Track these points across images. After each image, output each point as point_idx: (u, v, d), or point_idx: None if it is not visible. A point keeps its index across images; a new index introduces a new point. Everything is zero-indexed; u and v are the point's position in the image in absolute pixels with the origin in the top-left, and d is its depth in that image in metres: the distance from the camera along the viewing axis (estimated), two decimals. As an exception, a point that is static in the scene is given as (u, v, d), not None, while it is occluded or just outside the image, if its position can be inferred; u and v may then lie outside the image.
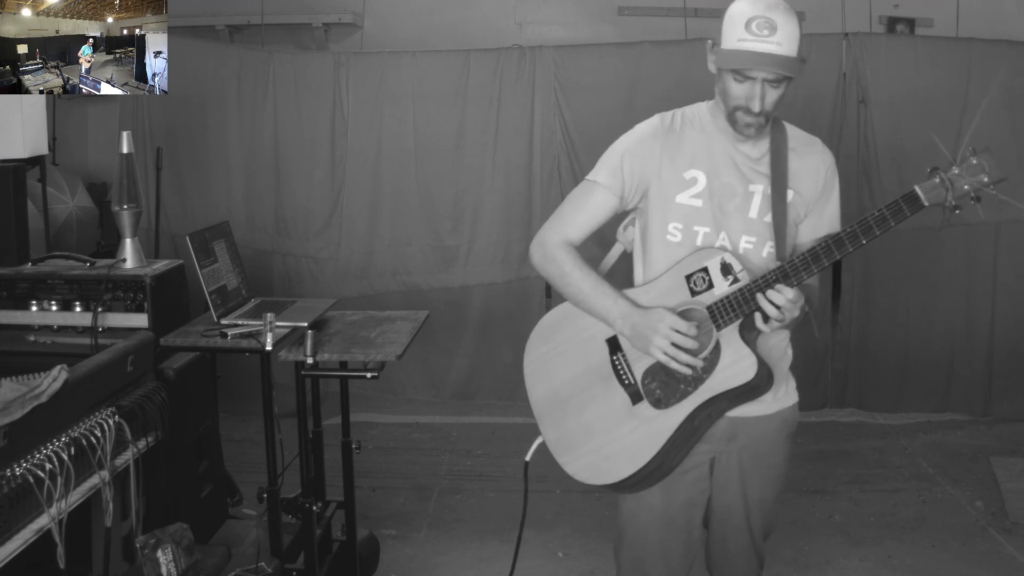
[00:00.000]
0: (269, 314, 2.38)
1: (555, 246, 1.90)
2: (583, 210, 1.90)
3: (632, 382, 1.84)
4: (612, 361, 1.86)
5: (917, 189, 1.66)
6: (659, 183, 1.84)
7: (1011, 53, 4.36)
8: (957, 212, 1.66)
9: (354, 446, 2.84)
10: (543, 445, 1.95)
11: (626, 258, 2.01)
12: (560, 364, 1.92)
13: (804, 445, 4.21)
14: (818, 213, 1.87)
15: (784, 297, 1.68)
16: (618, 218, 2.00)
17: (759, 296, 1.70)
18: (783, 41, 1.69)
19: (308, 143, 4.68)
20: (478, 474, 3.97)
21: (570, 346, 1.91)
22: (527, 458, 2.02)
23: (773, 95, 1.74)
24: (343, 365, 2.60)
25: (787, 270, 1.71)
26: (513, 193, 4.63)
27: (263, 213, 4.74)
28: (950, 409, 4.58)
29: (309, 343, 2.37)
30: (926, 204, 1.66)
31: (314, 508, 2.54)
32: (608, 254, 2.06)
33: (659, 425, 1.80)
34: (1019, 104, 4.33)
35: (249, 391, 3.62)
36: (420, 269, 4.72)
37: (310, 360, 2.38)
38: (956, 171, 1.64)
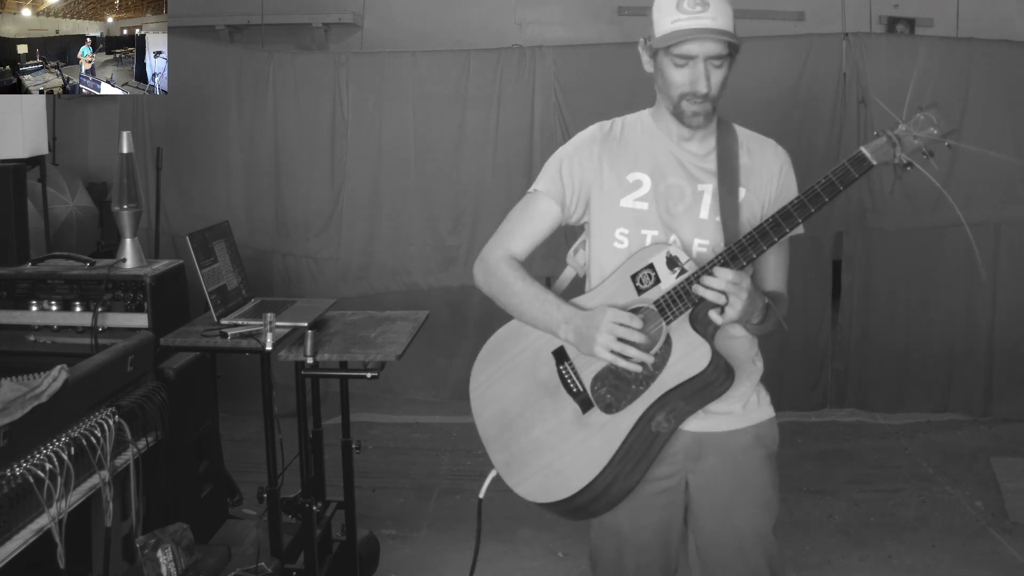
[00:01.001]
0: (269, 314, 2.38)
1: (497, 260, 1.83)
2: (525, 221, 1.84)
3: (580, 390, 1.73)
4: (559, 371, 1.76)
5: (863, 149, 1.60)
6: (601, 189, 1.78)
7: (1011, 53, 4.35)
8: (909, 169, 1.60)
9: (354, 446, 2.84)
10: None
11: (578, 283, 1.93)
12: (506, 384, 1.83)
13: (804, 445, 4.22)
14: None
15: (723, 279, 1.58)
16: (568, 242, 1.94)
17: (696, 286, 1.61)
18: (717, 16, 1.62)
19: (308, 143, 4.68)
20: (478, 474, 3.94)
21: (515, 364, 1.82)
22: (481, 495, 1.92)
23: (717, 76, 1.66)
24: (343, 365, 2.60)
25: (734, 251, 1.62)
26: (513, 193, 4.58)
27: (263, 213, 4.74)
28: (950, 409, 4.58)
29: (309, 343, 2.37)
30: (874, 163, 1.58)
31: (314, 508, 2.54)
32: (559, 279, 1.96)
33: (611, 431, 1.69)
34: (1019, 104, 4.33)
35: (249, 391, 3.62)
36: (420, 269, 4.72)
37: (310, 360, 2.38)
38: (903, 128, 1.59)
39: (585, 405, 1.73)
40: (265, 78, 4.65)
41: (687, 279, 1.65)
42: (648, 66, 1.75)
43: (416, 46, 4.93)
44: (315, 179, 4.70)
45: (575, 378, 1.74)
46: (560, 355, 1.77)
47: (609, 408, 1.70)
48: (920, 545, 3.28)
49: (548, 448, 1.75)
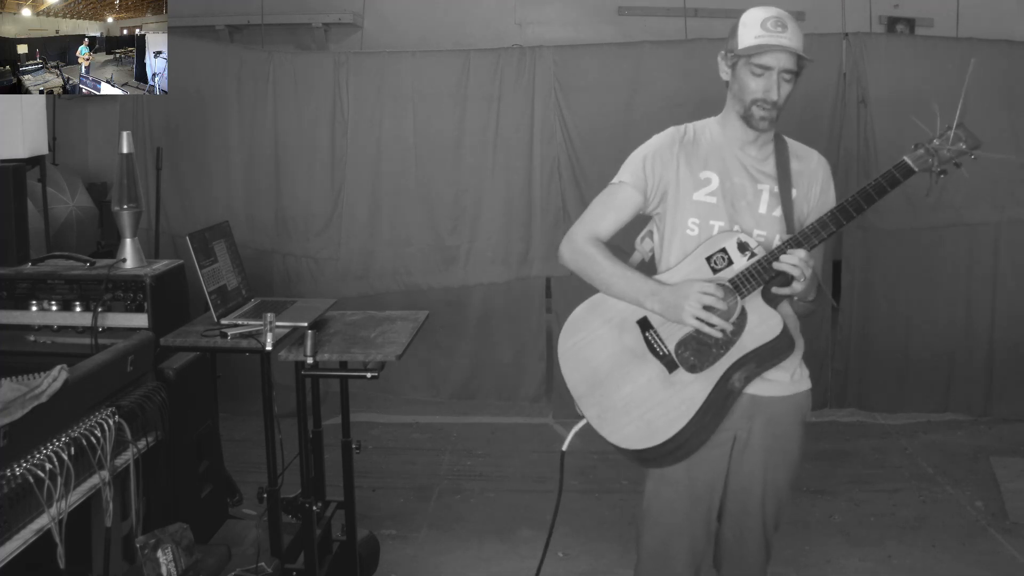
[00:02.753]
0: (269, 314, 2.38)
1: (583, 240, 2.05)
2: (609, 208, 2.06)
3: (666, 352, 1.96)
4: (645, 337, 1.98)
5: (906, 159, 1.90)
6: (677, 183, 2.01)
7: (1011, 53, 4.35)
8: (943, 176, 1.91)
9: (354, 446, 2.84)
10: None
11: (643, 268, 2.09)
12: (595, 349, 2.02)
13: (804, 445, 4.21)
14: (819, 213, 2.00)
15: (797, 256, 1.85)
16: (637, 230, 2.13)
17: (776, 263, 1.87)
18: (793, 38, 1.92)
19: (308, 143, 4.67)
20: (478, 474, 3.97)
21: (602, 332, 2.03)
22: (564, 448, 2.10)
23: (786, 88, 1.94)
24: (343, 365, 2.60)
25: (799, 238, 1.90)
26: (513, 193, 4.63)
27: (263, 213, 4.74)
28: (950, 409, 4.58)
29: (309, 343, 2.37)
30: (916, 170, 1.89)
31: (314, 508, 2.54)
32: (627, 261, 2.13)
33: (696, 388, 1.93)
34: (1019, 104, 4.33)
35: (249, 391, 3.62)
36: (420, 269, 4.71)
37: (310, 360, 2.38)
38: (937, 142, 1.90)
39: (671, 366, 1.96)
40: (265, 78, 4.65)
41: (760, 260, 1.90)
42: (725, 75, 2.01)
43: (416, 46, 4.93)
44: (315, 179, 4.70)
45: (660, 343, 1.97)
46: (644, 324, 1.99)
47: (693, 369, 1.94)
48: (920, 545, 3.28)
49: (639, 403, 1.97)
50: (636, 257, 2.16)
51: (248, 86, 4.67)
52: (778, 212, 1.99)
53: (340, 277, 4.72)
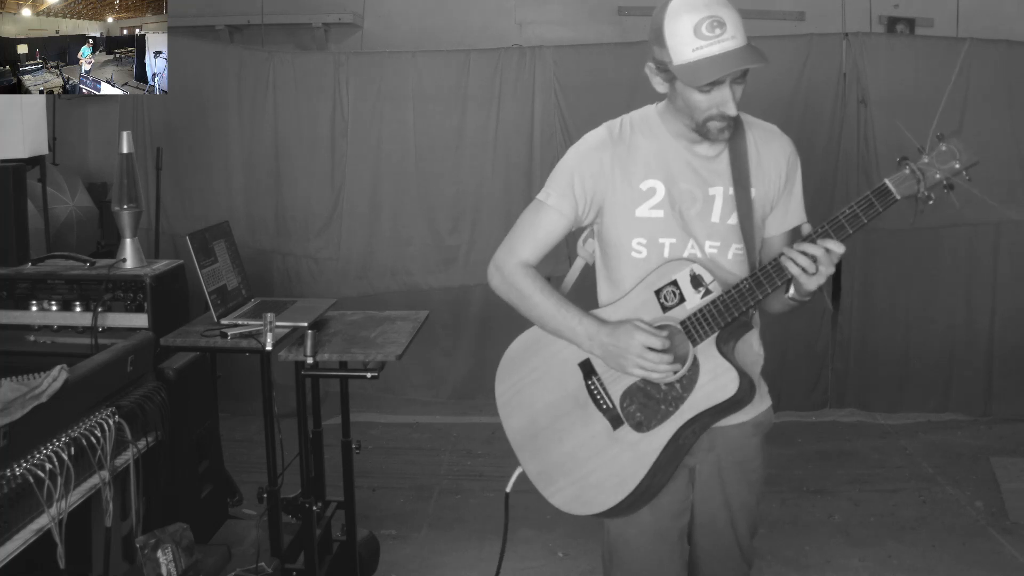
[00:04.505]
0: (269, 314, 2.38)
1: (512, 270, 1.85)
2: (536, 231, 1.85)
3: (610, 407, 1.77)
4: (587, 386, 1.80)
5: (888, 183, 1.58)
6: (614, 198, 1.77)
7: (1011, 53, 4.35)
8: (931, 203, 1.59)
9: (354, 446, 2.84)
10: (523, 476, 1.92)
11: (588, 272, 1.95)
12: (535, 392, 1.87)
13: (804, 445, 4.22)
14: (783, 205, 1.82)
15: (822, 248, 1.58)
16: (577, 232, 1.95)
17: (784, 258, 1.61)
18: (736, 33, 1.58)
19: (308, 143, 4.67)
20: (478, 474, 3.97)
21: (542, 372, 1.86)
22: (508, 489, 1.98)
23: (739, 90, 1.65)
24: (343, 365, 2.60)
25: (829, 229, 1.61)
26: (513, 193, 4.63)
27: (263, 213, 4.74)
28: (950, 409, 4.58)
29: (309, 343, 2.37)
30: (899, 198, 1.59)
31: (314, 508, 2.54)
32: (570, 269, 2.01)
33: (644, 448, 1.74)
34: (1019, 104, 4.33)
35: (249, 391, 3.62)
36: (420, 269, 4.71)
37: (310, 360, 2.38)
38: (926, 160, 1.57)
39: (616, 422, 1.77)
40: (265, 78, 4.65)
41: (715, 301, 1.67)
42: (661, 87, 1.72)
43: (416, 46, 4.92)
44: (315, 179, 4.70)
45: (604, 394, 1.78)
46: (587, 368, 1.81)
47: (640, 427, 1.74)
48: (920, 545, 3.28)
49: (581, 462, 1.80)
50: (579, 263, 1.98)
51: (248, 86, 4.67)
52: (734, 219, 1.74)
53: (340, 277, 4.72)
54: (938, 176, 1.57)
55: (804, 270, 1.60)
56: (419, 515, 3.57)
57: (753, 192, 1.76)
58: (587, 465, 1.79)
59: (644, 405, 1.74)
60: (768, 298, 1.73)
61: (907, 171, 1.58)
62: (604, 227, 1.81)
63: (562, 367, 1.83)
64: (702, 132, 1.69)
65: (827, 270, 1.60)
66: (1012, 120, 4.32)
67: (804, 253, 1.59)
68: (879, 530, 3.40)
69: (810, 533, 3.37)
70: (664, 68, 1.66)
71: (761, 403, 1.88)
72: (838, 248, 1.59)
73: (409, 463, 4.10)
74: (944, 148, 1.57)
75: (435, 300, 4.58)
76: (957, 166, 1.56)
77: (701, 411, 1.70)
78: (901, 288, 4.56)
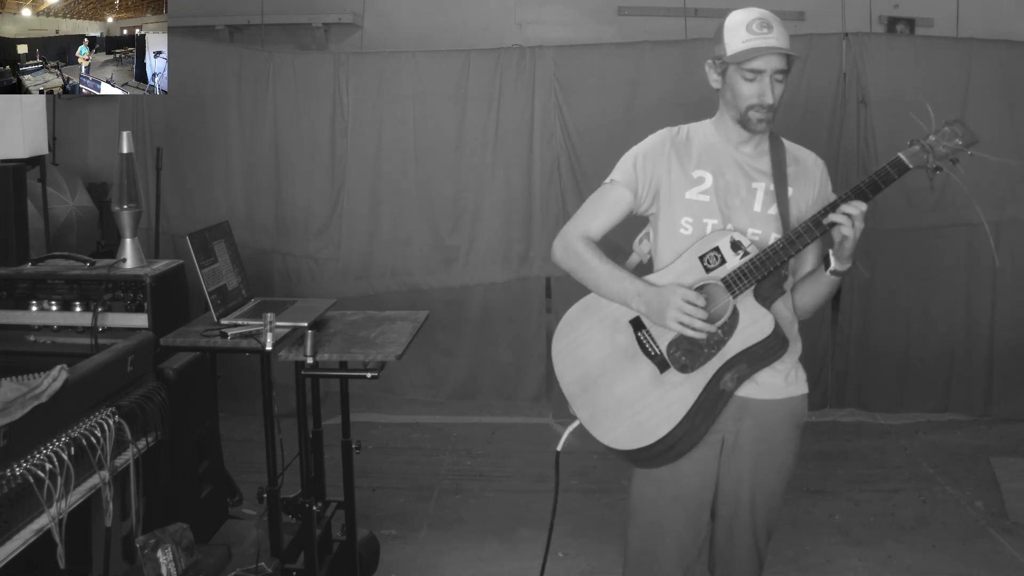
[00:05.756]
0: (269, 314, 2.38)
1: (575, 239, 2.05)
2: (601, 208, 2.06)
3: (658, 353, 1.94)
4: (637, 337, 1.97)
5: (901, 155, 1.87)
6: (669, 182, 2.00)
7: (1011, 53, 4.35)
8: (938, 172, 1.87)
9: (354, 446, 2.84)
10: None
11: (641, 270, 2.09)
12: (588, 350, 2.02)
13: (804, 445, 4.16)
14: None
15: (856, 207, 1.83)
16: (635, 231, 2.13)
17: (831, 215, 1.85)
18: (780, 37, 1.90)
19: (308, 143, 4.67)
20: (478, 474, 3.97)
21: (596, 332, 2.02)
22: (559, 447, 2.11)
23: (779, 89, 1.92)
24: (343, 365, 2.60)
25: (859, 188, 1.87)
26: (513, 193, 4.63)
27: (263, 213, 4.74)
28: (950, 409, 4.58)
29: (309, 343, 2.37)
30: (911, 167, 1.86)
31: (314, 508, 2.54)
32: (625, 263, 2.12)
33: (687, 388, 1.91)
34: (1019, 104, 4.33)
35: (249, 391, 3.62)
36: (420, 269, 4.71)
37: (310, 360, 2.38)
38: (933, 138, 1.86)
39: (662, 366, 1.95)
40: (265, 78, 4.65)
41: (753, 259, 1.89)
42: (715, 83, 2.00)
43: (416, 46, 4.93)
44: (315, 179, 4.70)
45: (652, 343, 1.96)
46: (637, 324, 1.98)
47: (684, 369, 1.93)
48: (920, 545, 3.28)
49: (630, 403, 1.96)
50: (634, 259, 2.15)
51: (248, 86, 4.67)
52: (773, 210, 1.97)
53: (340, 277, 4.72)
54: (943, 150, 1.85)
55: (850, 219, 1.84)
56: (419, 515, 3.57)
57: (791, 191, 1.99)
58: (636, 405, 1.95)
59: (689, 351, 1.92)
60: (807, 292, 2.02)
61: (917, 147, 1.87)
62: (660, 209, 2.02)
63: (614, 325, 2.00)
64: (744, 122, 1.94)
65: (861, 224, 1.85)
66: (1012, 120, 4.32)
67: (843, 212, 1.85)
68: (879, 530, 3.41)
69: (810, 533, 3.37)
70: (720, 60, 1.94)
71: (797, 387, 2.04)
72: (863, 207, 1.85)
73: (409, 463, 4.10)
74: (948, 129, 1.86)
75: (435, 300, 4.58)
76: (960, 143, 1.85)
77: (740, 351, 1.90)
78: (901, 288, 4.56)
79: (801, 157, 2.05)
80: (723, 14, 1.95)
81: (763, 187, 1.99)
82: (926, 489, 3.74)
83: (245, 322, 2.50)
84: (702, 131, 2.05)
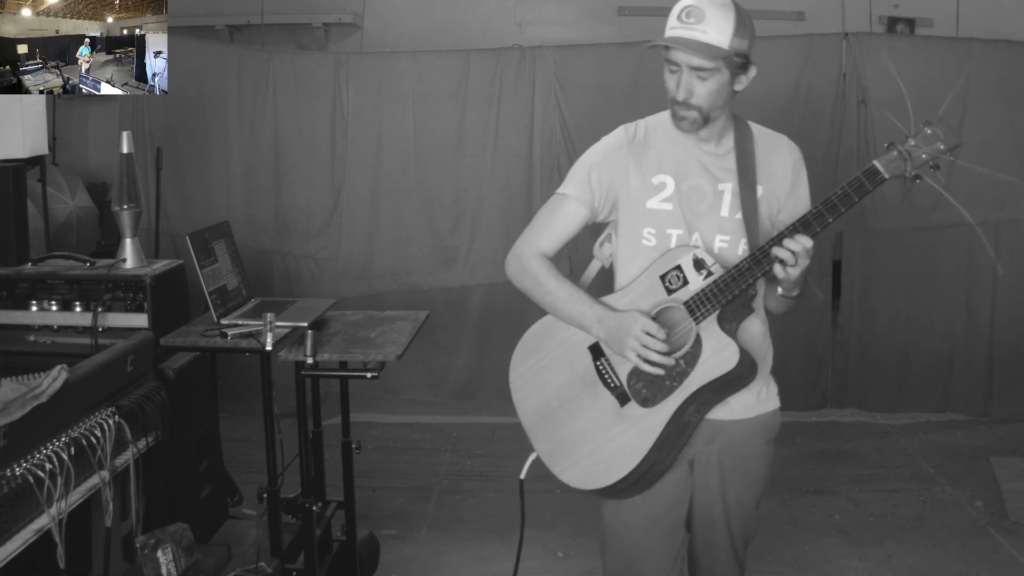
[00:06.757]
0: (269, 314, 2.38)
1: (529, 258, 1.92)
2: (555, 222, 1.92)
3: (618, 384, 1.84)
4: (596, 367, 1.87)
5: (876, 163, 1.69)
6: (628, 191, 1.87)
7: (1011, 53, 4.35)
8: (918, 181, 1.70)
9: (354, 446, 2.84)
10: (538, 459, 1.96)
11: (604, 275, 2.01)
12: (547, 376, 1.93)
13: (804, 445, 4.22)
14: (791, 208, 1.87)
15: (800, 244, 1.68)
16: (595, 235, 2.02)
17: (775, 248, 1.69)
18: (708, 30, 1.71)
19: (308, 143, 4.68)
20: (478, 474, 3.97)
21: (554, 357, 1.92)
22: (522, 475, 2.02)
23: (702, 87, 1.75)
24: (343, 365, 2.60)
25: (798, 225, 1.71)
26: (513, 193, 4.63)
27: (263, 213, 4.74)
28: (950, 409, 4.58)
29: (309, 343, 2.37)
30: (887, 176, 1.69)
31: (314, 508, 2.54)
32: (586, 271, 2.06)
33: (649, 423, 1.81)
34: (1019, 104, 4.33)
35: (249, 391, 3.62)
36: (420, 269, 4.71)
37: (310, 360, 2.38)
38: (912, 142, 1.69)
39: (623, 399, 1.84)
40: (265, 78, 4.65)
41: (717, 281, 1.75)
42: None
43: (416, 46, 4.93)
44: (315, 179, 4.70)
45: (612, 373, 1.85)
46: (596, 351, 1.88)
47: (645, 402, 1.81)
48: (920, 545, 3.28)
49: (590, 438, 1.86)
50: (595, 265, 2.04)
51: (248, 86, 4.67)
52: (740, 214, 1.83)
53: (340, 277, 4.72)
54: (924, 156, 1.68)
55: (783, 261, 1.69)
56: (419, 515, 3.57)
57: (760, 190, 1.84)
58: (595, 441, 1.85)
59: (650, 382, 1.80)
60: (770, 302, 1.88)
61: (894, 153, 1.69)
62: (619, 219, 1.90)
63: (573, 351, 1.90)
64: (672, 115, 1.81)
65: (805, 261, 1.70)
66: (1012, 120, 4.33)
67: (787, 248, 1.69)
68: (879, 530, 3.40)
69: (810, 533, 3.37)
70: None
71: (769, 402, 1.94)
72: (808, 244, 1.69)
73: (409, 463, 4.10)
74: (929, 131, 1.68)
75: (435, 300, 4.58)
76: (941, 147, 1.68)
77: (704, 384, 1.77)
78: (901, 288, 4.56)
79: (771, 145, 1.88)
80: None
81: (730, 188, 1.84)
82: (926, 489, 3.74)
83: (245, 322, 2.50)
84: (661, 127, 1.89)
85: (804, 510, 3.56)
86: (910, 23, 5.40)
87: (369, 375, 2.42)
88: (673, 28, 1.73)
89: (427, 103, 4.60)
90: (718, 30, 1.71)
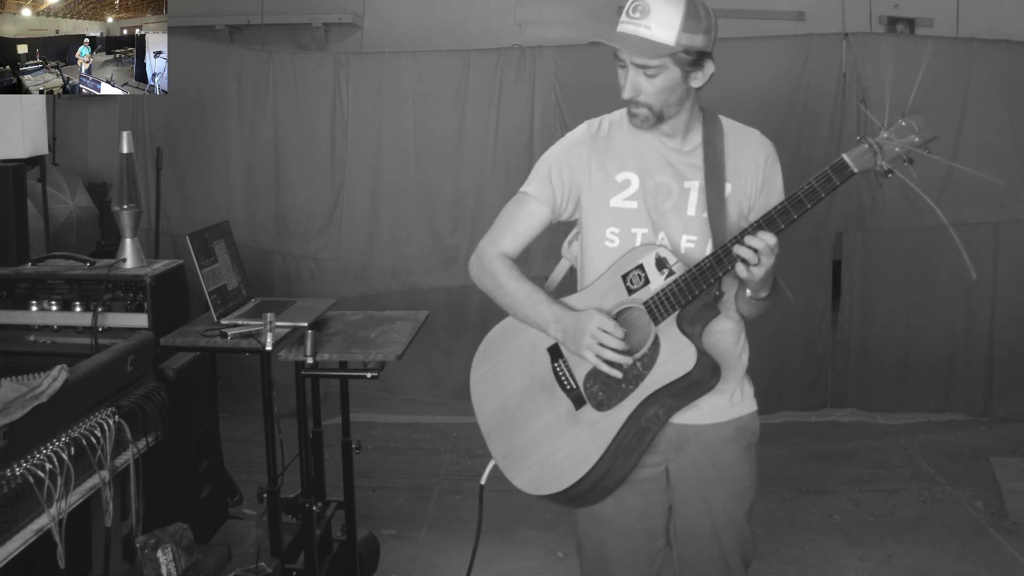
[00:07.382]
0: (269, 314, 2.38)
1: (491, 258, 1.87)
2: (517, 222, 1.87)
3: (574, 387, 1.79)
4: (554, 369, 1.82)
5: (845, 157, 1.61)
6: (590, 189, 1.82)
7: (1011, 53, 4.35)
8: (890, 176, 1.61)
9: (354, 446, 2.85)
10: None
11: (573, 273, 1.97)
12: (505, 379, 1.89)
13: (804, 445, 4.22)
14: (763, 205, 1.77)
15: (763, 241, 1.60)
16: (564, 235, 1.98)
17: (737, 247, 1.62)
18: (652, 25, 1.66)
19: (308, 143, 4.67)
20: (478, 474, 3.91)
21: (514, 359, 1.88)
22: (482, 481, 1.98)
23: (649, 84, 1.71)
24: (343, 365, 2.60)
25: (761, 222, 1.64)
26: (513, 193, 4.60)
27: (263, 213, 4.74)
28: (950, 409, 4.58)
29: (309, 343, 2.37)
30: (855, 171, 1.60)
31: (314, 508, 2.54)
32: (554, 270, 2.02)
33: (603, 427, 1.75)
34: (1019, 104, 4.33)
35: (249, 391, 3.62)
36: (420, 269, 4.71)
37: (310, 360, 2.38)
38: (885, 135, 1.60)
39: (578, 402, 1.78)
40: (265, 78, 4.64)
41: (678, 280, 1.69)
42: None
43: (416, 46, 4.93)
44: (315, 179, 4.70)
45: (569, 375, 1.80)
46: (555, 352, 1.82)
47: (601, 406, 1.75)
48: (920, 545, 3.28)
49: (543, 443, 1.81)
50: (564, 265, 1.99)
51: (248, 86, 4.67)
52: (707, 214, 1.76)
53: (340, 277, 4.72)
54: (897, 150, 1.59)
55: (746, 261, 1.62)
56: (419, 515, 3.57)
57: (728, 188, 1.78)
58: (549, 446, 1.80)
59: (606, 384, 1.75)
60: (742, 304, 1.80)
61: (865, 146, 1.61)
62: (583, 218, 1.85)
63: (532, 353, 1.85)
64: (627, 113, 1.76)
65: (768, 260, 1.62)
66: (1012, 120, 4.32)
67: (748, 246, 1.62)
68: (879, 530, 3.41)
69: (810, 533, 3.37)
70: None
71: (744, 405, 1.87)
72: (771, 241, 1.61)
73: (409, 463, 4.10)
74: (903, 124, 1.60)
75: (435, 300, 4.58)
76: (916, 140, 1.59)
77: (660, 387, 1.71)
78: (901, 288, 4.55)
79: (742, 140, 1.81)
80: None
81: (697, 186, 1.77)
82: (926, 489, 3.74)
83: (245, 322, 2.50)
84: (625, 123, 1.82)
85: (804, 510, 3.56)
86: (910, 23, 5.40)
87: (369, 375, 2.42)
88: (621, 23, 1.69)
89: (427, 103, 4.60)
90: (663, 26, 1.65)
